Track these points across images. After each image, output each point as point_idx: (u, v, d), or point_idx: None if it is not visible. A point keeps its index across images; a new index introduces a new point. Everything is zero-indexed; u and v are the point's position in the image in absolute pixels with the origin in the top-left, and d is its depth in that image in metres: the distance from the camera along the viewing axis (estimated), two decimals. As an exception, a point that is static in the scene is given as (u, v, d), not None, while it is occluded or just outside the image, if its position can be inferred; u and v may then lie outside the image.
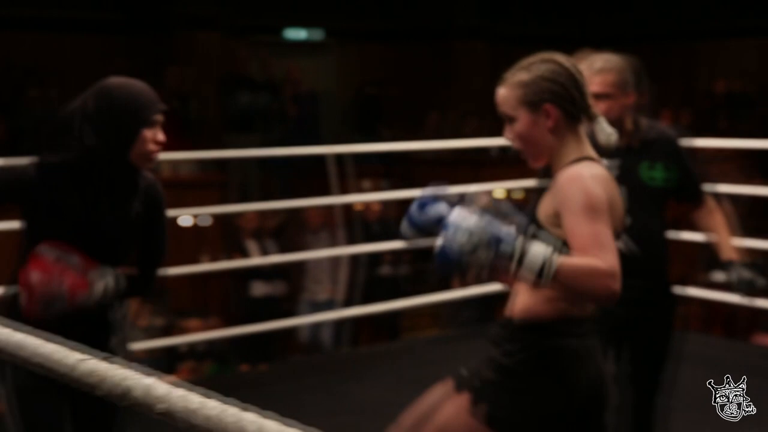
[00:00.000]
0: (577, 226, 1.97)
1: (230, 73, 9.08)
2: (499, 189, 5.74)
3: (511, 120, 2.12)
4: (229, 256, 6.72)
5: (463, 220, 1.93)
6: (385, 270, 7.68)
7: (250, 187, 8.66)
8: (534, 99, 2.08)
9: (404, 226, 2.18)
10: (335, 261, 6.93)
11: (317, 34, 10.95)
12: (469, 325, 6.34)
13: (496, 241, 1.91)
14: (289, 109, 8.98)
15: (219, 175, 8.21)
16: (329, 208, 6.86)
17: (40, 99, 8.17)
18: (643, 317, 2.95)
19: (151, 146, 2.40)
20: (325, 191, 5.69)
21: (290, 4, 10.59)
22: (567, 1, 12.44)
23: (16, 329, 1.20)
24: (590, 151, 2.12)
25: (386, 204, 7.71)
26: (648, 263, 2.94)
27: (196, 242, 7.34)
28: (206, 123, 8.89)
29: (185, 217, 7.16)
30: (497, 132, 2.34)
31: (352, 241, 6.17)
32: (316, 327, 7.33)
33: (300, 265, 7.34)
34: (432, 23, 11.42)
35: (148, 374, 1.03)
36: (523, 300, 2.12)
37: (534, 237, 1.99)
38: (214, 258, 6.94)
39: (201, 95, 8.88)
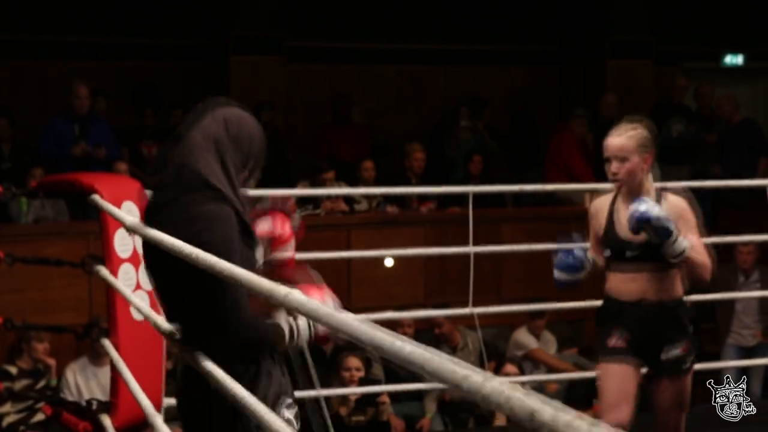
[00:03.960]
0: (697, 235, 3.41)
1: (663, 101, 8.81)
2: None
3: (623, 160, 3.36)
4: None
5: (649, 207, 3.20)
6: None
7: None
8: (646, 147, 3.38)
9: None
10: (766, 304, 6.43)
11: (755, 60, 10.28)
12: None
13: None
14: (722, 139, 8.50)
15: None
16: (763, 247, 6.38)
17: (470, 129, 8.49)
18: None
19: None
20: (760, 227, 5.29)
21: (728, 28, 10.04)
22: None
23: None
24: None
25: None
26: None
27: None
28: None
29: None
30: None
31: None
32: (742, 373, 6.84)
33: (727, 307, 6.89)
34: None
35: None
36: (659, 287, 3.41)
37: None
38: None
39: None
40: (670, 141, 8.45)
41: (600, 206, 3.55)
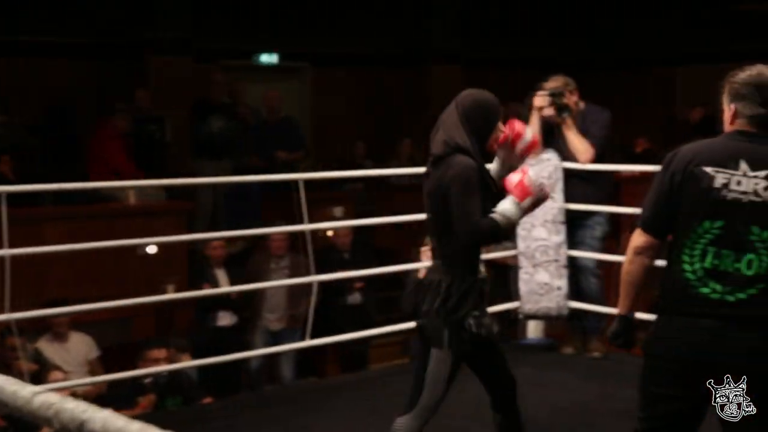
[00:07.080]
0: None
1: (202, 98, 8.96)
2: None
3: None
4: (196, 285, 6.60)
5: None
6: (354, 298, 7.57)
7: (219, 215, 8.52)
8: None
9: None
10: (294, 289, 6.79)
11: (288, 59, 10.88)
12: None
13: None
14: (264, 134, 8.87)
15: (187, 203, 8.07)
16: (294, 235, 6.74)
17: (3, 124, 8.00)
18: None
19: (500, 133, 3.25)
20: (293, 218, 5.59)
21: (264, 27, 10.52)
22: (542, 25, 12.44)
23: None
24: None
25: (357, 231, 7.63)
26: None
27: (162, 270, 7.21)
28: (175, 149, 8.78)
29: (151, 246, 7.06)
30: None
31: (319, 268, 6.07)
32: (274, 358, 7.12)
33: (260, 293, 7.18)
34: (408, 47, 11.39)
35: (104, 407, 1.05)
36: None
37: None
38: (180, 287, 6.80)
39: (171, 121, 8.77)
40: (210, 137, 8.63)
41: None
